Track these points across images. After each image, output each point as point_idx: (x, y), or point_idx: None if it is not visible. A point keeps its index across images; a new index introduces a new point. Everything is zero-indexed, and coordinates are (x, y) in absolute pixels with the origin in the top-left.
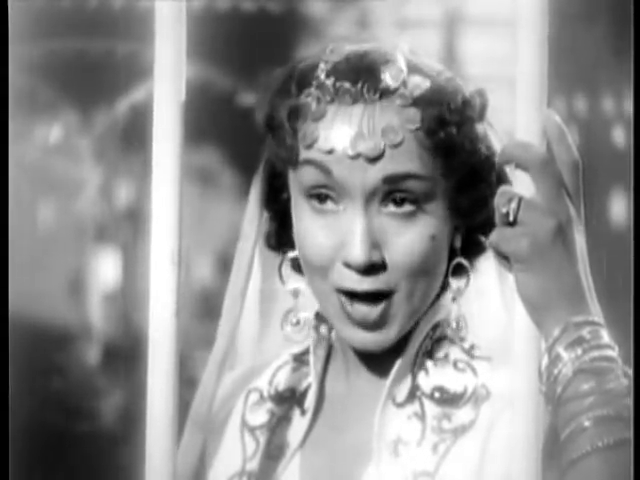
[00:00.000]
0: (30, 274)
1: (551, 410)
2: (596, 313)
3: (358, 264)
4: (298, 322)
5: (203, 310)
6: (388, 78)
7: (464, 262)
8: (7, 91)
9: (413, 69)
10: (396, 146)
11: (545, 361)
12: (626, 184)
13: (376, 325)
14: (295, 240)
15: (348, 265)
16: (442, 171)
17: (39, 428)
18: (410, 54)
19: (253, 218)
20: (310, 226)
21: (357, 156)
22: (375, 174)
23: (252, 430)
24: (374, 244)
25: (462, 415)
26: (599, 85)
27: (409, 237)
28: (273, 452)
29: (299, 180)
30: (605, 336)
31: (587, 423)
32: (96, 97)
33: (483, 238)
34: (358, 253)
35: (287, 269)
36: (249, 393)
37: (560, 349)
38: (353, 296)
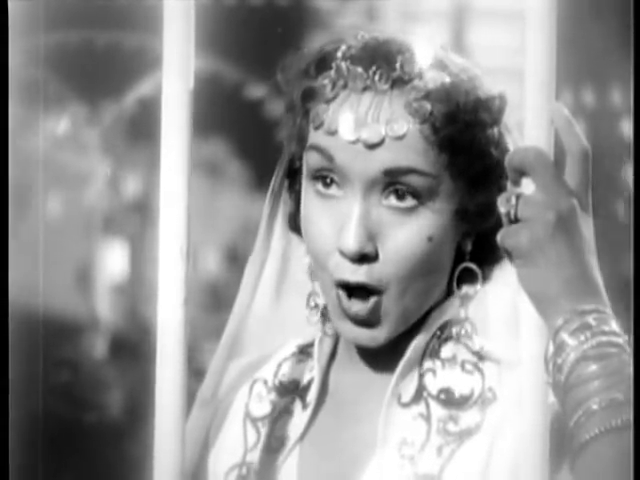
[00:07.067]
0: (37, 266)
1: (558, 400)
2: (602, 302)
3: (350, 251)
4: (316, 305)
5: (211, 302)
6: (402, 68)
7: (473, 267)
8: (7, 84)
9: (434, 64)
10: (399, 138)
11: (550, 349)
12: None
13: (368, 322)
14: (301, 227)
15: (342, 253)
16: (449, 170)
17: (46, 420)
18: (439, 49)
19: (273, 209)
20: (313, 210)
21: (357, 141)
22: (376, 164)
23: (254, 421)
24: (369, 235)
25: (468, 418)
26: (607, 77)
27: (405, 234)
28: (273, 444)
29: (307, 163)
30: (612, 324)
31: (595, 406)
32: (104, 89)
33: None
34: (351, 241)
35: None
36: (254, 383)
37: (565, 336)
38: (348, 291)
